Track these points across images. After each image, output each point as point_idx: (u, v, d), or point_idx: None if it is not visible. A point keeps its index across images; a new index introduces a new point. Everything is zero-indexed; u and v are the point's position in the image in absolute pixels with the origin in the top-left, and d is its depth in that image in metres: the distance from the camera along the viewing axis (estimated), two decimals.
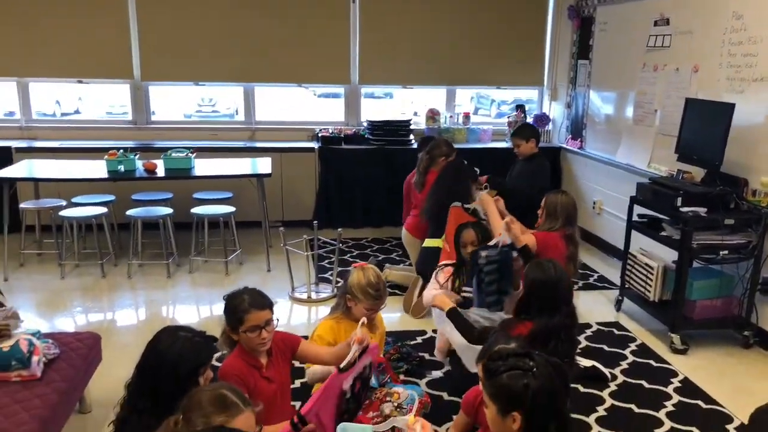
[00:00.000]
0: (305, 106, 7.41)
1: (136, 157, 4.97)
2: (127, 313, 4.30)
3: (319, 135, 6.17)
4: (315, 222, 4.66)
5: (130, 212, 4.90)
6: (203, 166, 5.13)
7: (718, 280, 3.84)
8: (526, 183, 4.63)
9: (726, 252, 3.65)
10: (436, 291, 3.31)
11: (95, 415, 3.00)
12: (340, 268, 4.67)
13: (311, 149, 6.09)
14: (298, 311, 4.36)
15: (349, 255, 5.41)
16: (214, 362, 2.27)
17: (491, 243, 3.25)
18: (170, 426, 1.64)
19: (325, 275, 4.81)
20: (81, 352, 2.82)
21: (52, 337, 2.80)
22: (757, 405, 1.79)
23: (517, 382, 1.55)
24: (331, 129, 6.28)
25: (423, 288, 4.29)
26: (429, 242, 4.39)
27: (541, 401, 1.54)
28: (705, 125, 3.96)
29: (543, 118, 6.54)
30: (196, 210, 4.97)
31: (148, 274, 4.91)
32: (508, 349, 1.68)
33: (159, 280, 4.80)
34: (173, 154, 5.01)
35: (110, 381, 3.18)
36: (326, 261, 5.12)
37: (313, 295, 4.51)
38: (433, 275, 3.53)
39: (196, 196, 5.41)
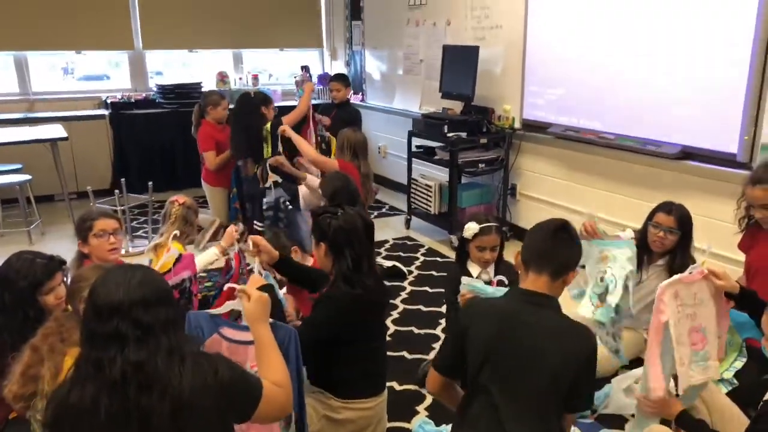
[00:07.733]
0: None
1: None
2: None
3: (108, 102, 6.08)
4: (123, 179, 4.73)
5: None
6: None
7: (481, 190, 4.81)
8: (347, 126, 4.68)
9: (483, 165, 4.59)
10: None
11: None
12: (155, 226, 4.79)
13: (101, 116, 5.99)
14: None
15: (157, 215, 5.47)
16: None
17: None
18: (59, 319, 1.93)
19: (137, 233, 4.90)
20: None
21: None
22: None
23: (324, 221, 2.17)
24: (119, 95, 6.21)
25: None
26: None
27: (339, 234, 2.14)
28: (459, 67, 4.85)
29: (326, 77, 7.13)
30: None
31: None
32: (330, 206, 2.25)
33: None
34: None
35: None
36: (135, 222, 5.17)
37: (130, 249, 4.61)
38: None
39: None
